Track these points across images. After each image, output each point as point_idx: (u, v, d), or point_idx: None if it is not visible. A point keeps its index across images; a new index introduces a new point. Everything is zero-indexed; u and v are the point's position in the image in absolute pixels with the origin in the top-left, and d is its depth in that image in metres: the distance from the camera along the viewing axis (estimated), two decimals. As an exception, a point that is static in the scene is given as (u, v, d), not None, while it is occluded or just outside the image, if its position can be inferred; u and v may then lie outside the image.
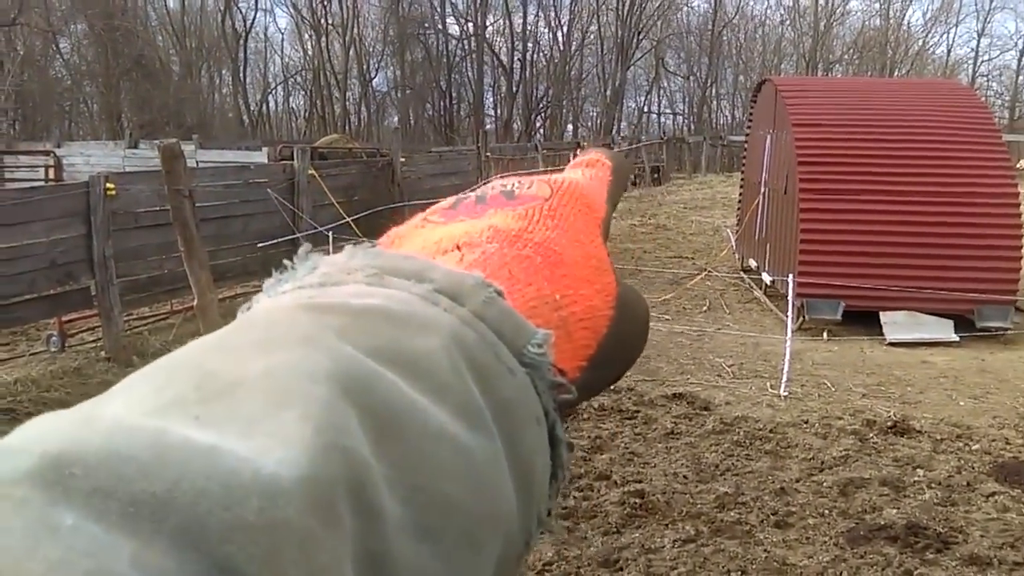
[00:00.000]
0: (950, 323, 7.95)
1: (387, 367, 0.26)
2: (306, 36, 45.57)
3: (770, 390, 6.17)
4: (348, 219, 9.71)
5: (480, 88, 44.90)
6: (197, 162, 14.03)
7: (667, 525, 4.15)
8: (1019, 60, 41.19)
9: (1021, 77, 41.19)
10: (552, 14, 45.33)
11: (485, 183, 0.42)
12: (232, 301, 9.01)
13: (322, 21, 43.89)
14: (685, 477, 4.68)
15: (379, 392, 0.25)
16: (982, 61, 43.27)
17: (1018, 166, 14.52)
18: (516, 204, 0.39)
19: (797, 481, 4.66)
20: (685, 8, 46.15)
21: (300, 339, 0.25)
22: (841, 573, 3.76)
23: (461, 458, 0.26)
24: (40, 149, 19.39)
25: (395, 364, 0.26)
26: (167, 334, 7.75)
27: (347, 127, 41.77)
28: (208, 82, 43.70)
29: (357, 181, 11.48)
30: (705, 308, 9.11)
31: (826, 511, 4.31)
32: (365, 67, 45.07)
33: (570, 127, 45.56)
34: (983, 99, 13.01)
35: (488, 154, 14.65)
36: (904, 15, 44.94)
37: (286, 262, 0.32)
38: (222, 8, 42.52)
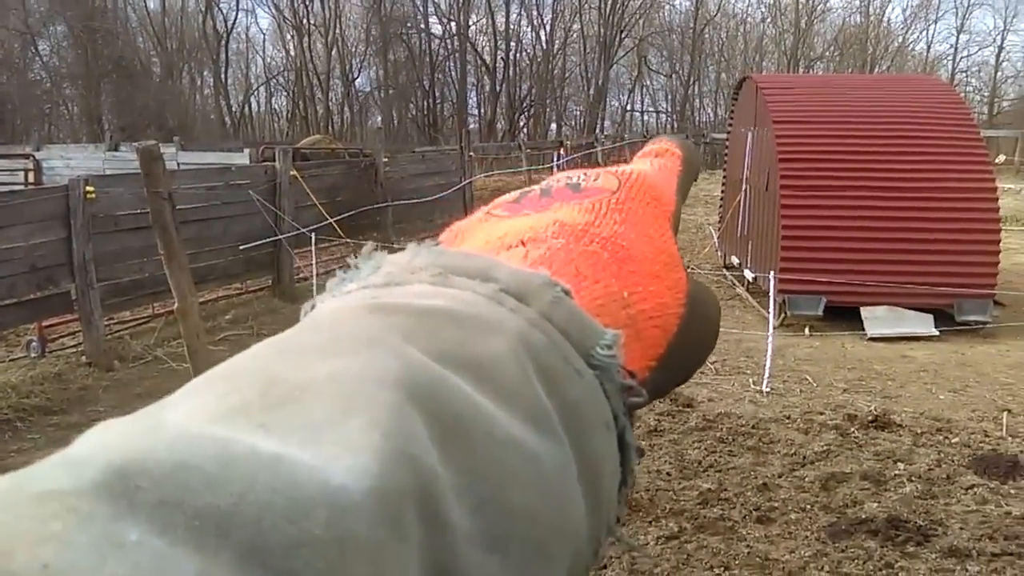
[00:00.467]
0: (930, 317, 8.03)
1: (453, 371, 0.25)
2: (288, 36, 45.38)
3: (752, 386, 6.21)
4: (331, 220, 9.68)
5: (463, 87, 44.85)
6: (178, 164, 13.95)
7: (650, 522, 4.17)
8: (997, 56, 41.57)
9: (999, 73, 41.58)
10: (535, 13, 45.34)
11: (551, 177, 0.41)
12: (214, 304, 8.98)
13: (304, 21, 43.72)
14: (668, 474, 4.70)
15: (445, 397, 0.24)
16: (961, 57, 43.64)
17: (996, 161, 14.66)
18: (582, 197, 0.37)
19: (779, 476, 4.69)
20: (667, 6, 46.28)
21: (365, 342, 0.25)
22: (823, 567, 3.79)
23: (530, 465, 0.25)
24: (19, 152, 19.22)
25: (461, 367, 0.25)
26: (149, 338, 7.71)
27: (330, 127, 41.62)
28: (189, 83, 43.44)
29: (340, 182, 11.44)
30: (688, 305, 9.14)
31: (808, 506, 4.34)
32: (348, 67, 44.93)
33: (554, 126, 45.59)
34: (962, 95, 13.12)
35: (471, 154, 14.65)
36: (884, 12, 45.25)
37: (350, 261, 0.32)
38: (203, 9, 42.27)
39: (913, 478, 4.65)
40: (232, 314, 8.75)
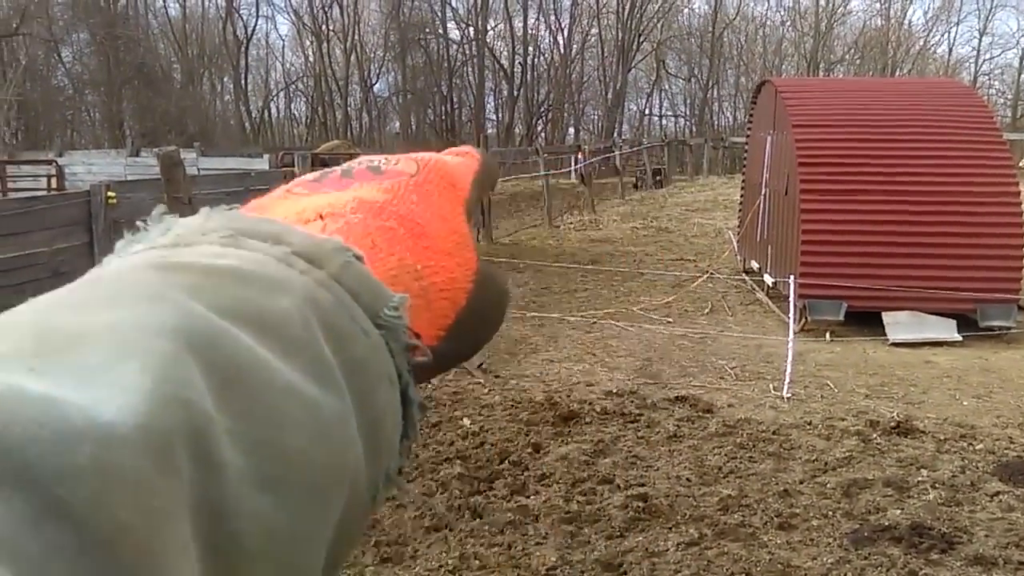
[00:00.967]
0: (953, 323, 7.94)
1: (236, 324, 0.26)
2: (307, 43, 45.71)
3: (773, 392, 6.16)
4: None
5: (481, 92, 44.97)
6: (199, 169, 14.07)
7: (671, 528, 4.14)
8: (1021, 59, 41.15)
9: (1023, 76, 41.14)
10: (553, 18, 45.41)
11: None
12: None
13: (323, 27, 44.01)
14: (688, 480, 4.67)
15: (225, 347, 0.25)
16: (984, 60, 43.27)
17: (1020, 165, 14.49)
18: (382, 179, 0.39)
19: (801, 483, 4.64)
20: (686, 10, 46.19)
21: (147, 296, 0.26)
22: (845, 575, 3.75)
23: (307, 412, 0.26)
24: (42, 158, 19.45)
25: (244, 322, 0.26)
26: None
27: (348, 133, 41.84)
28: (210, 89, 43.83)
29: (358, 187, 11.48)
30: (707, 310, 9.10)
31: (830, 512, 4.30)
32: (366, 73, 45.16)
33: (571, 130, 45.62)
34: (984, 98, 13.00)
35: (489, 158, 14.63)
36: (905, 14, 44.95)
37: (139, 223, 0.32)
38: (223, 16, 42.64)
39: (937, 485, 4.59)
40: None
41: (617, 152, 23.51)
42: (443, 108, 46.22)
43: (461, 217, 0.40)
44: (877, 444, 5.17)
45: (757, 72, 42.08)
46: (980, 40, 42.95)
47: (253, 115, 44.78)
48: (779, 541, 4.02)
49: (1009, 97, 41.35)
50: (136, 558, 0.20)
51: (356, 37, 43.98)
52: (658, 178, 24.18)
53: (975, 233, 8.14)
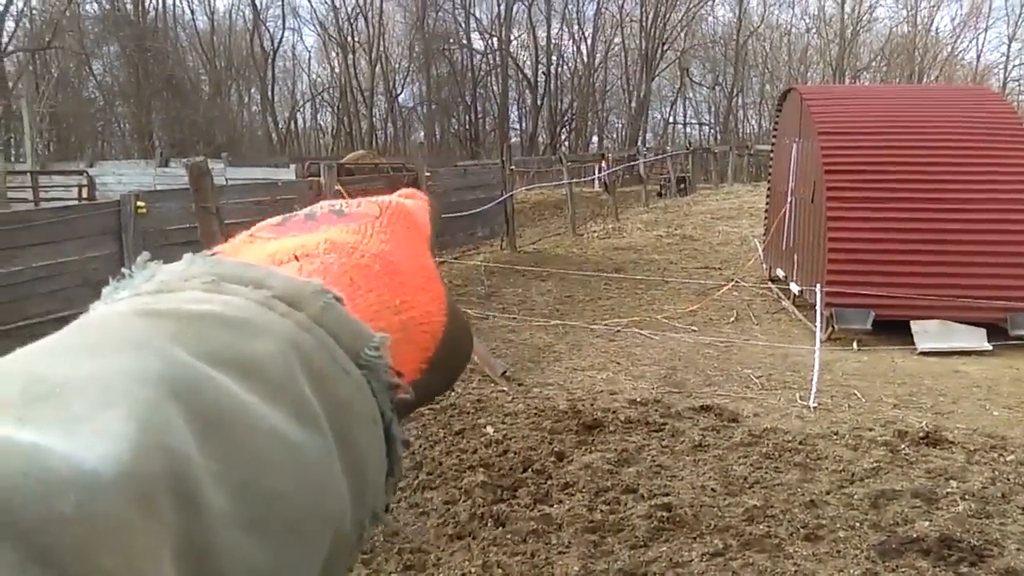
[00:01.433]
0: (982, 331, 7.83)
1: (219, 370, 0.27)
2: (333, 54, 46.11)
3: (799, 401, 6.11)
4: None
5: (505, 102, 45.09)
6: (226, 180, 14.22)
7: (695, 539, 4.11)
8: (1051, 64, 40.60)
9: (1054, 81, 40.58)
10: (576, 27, 45.48)
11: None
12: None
13: (348, 39, 44.39)
14: (713, 490, 4.64)
15: (207, 393, 0.26)
16: (1013, 66, 42.70)
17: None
18: (348, 221, 0.40)
19: (827, 493, 4.59)
20: (710, 18, 46.06)
21: (131, 343, 0.26)
22: (873, 587, 3.70)
23: (290, 454, 0.27)
24: (73, 169, 19.76)
25: (227, 367, 0.27)
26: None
27: (374, 143, 42.13)
28: (237, 101, 44.33)
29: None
30: (732, 319, 9.05)
31: (857, 524, 4.25)
32: (391, 83, 45.47)
33: (595, 139, 45.59)
34: (1014, 104, 12.83)
35: (513, 167, 14.69)
36: (932, 21, 44.51)
37: (124, 270, 0.33)
38: (250, 28, 43.14)
39: (966, 496, 4.53)
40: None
41: (641, 160, 23.47)
42: (467, 117, 46.40)
43: (427, 253, 0.41)
44: (905, 455, 5.11)
45: (782, 80, 41.84)
46: (1009, 46, 42.43)
47: (280, 126, 45.21)
48: (805, 552, 3.98)
49: (1040, 103, 40.76)
50: None
51: (381, 48, 44.31)
52: (682, 186, 24.10)
53: (1004, 241, 8.03)
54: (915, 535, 4.09)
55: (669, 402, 6.02)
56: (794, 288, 9.61)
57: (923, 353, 7.62)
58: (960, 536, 4.07)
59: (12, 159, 26.88)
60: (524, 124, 46.44)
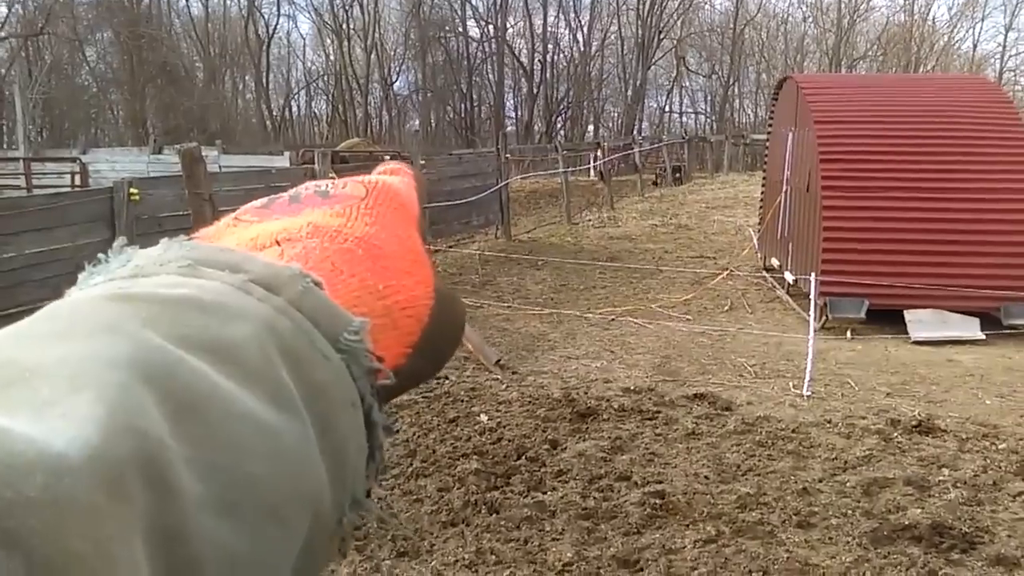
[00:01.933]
0: (976, 321, 7.85)
1: (193, 353, 0.26)
2: (328, 41, 45.88)
3: (792, 390, 6.12)
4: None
5: (500, 90, 44.95)
6: (220, 167, 14.17)
7: (688, 525, 4.12)
8: (1047, 54, 40.61)
9: (1049, 71, 40.60)
10: (572, 15, 45.31)
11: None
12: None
13: (344, 26, 44.16)
14: (706, 477, 4.65)
15: (181, 376, 0.25)
16: (1009, 56, 42.71)
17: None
18: (332, 203, 0.39)
19: (820, 481, 4.61)
20: (706, 7, 45.94)
21: (103, 327, 0.26)
22: (865, 573, 3.72)
23: (266, 438, 0.27)
24: (67, 156, 19.66)
25: (202, 351, 0.27)
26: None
27: (369, 131, 41.99)
28: (231, 88, 44.12)
29: (378, 184, 11.52)
30: (727, 308, 9.06)
31: (849, 511, 4.26)
32: (386, 71, 45.29)
33: (591, 128, 45.50)
34: (1010, 94, 12.84)
35: (508, 156, 14.66)
36: (929, 10, 44.47)
37: (100, 255, 0.32)
38: (245, 15, 42.89)
39: (958, 484, 4.55)
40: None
41: (637, 149, 23.44)
42: (463, 106, 46.26)
43: (415, 235, 0.41)
44: (898, 443, 5.13)
45: (778, 69, 41.78)
46: (1006, 36, 42.40)
47: (274, 113, 45.02)
48: (797, 539, 4.00)
49: (1035, 93, 40.76)
50: None
51: (376, 35, 44.10)
52: (678, 175, 24.08)
53: (999, 231, 8.05)
54: (907, 522, 4.11)
55: (663, 390, 6.03)
56: (788, 277, 9.63)
57: (916, 342, 7.64)
58: (952, 523, 4.08)
59: (5, 146, 26.76)
60: (520, 112, 46.34)
